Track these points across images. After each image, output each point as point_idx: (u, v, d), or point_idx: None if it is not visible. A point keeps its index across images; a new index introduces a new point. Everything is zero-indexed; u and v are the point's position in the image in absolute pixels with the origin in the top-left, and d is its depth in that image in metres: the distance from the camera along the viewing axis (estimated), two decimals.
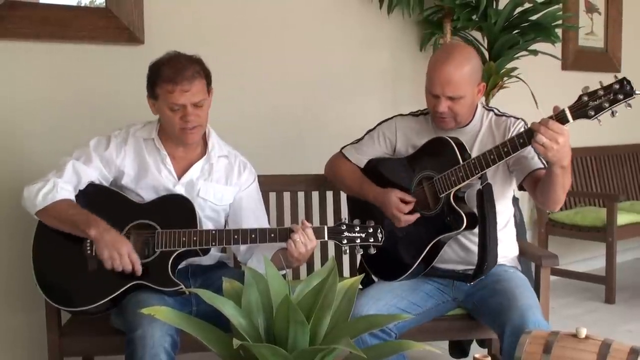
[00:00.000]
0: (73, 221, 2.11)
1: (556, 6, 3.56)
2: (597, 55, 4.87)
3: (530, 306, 2.12)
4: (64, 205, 2.13)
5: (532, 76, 3.64)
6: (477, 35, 3.67)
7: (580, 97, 1.99)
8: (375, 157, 2.51)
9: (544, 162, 2.19)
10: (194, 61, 2.19)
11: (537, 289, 2.40)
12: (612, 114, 1.97)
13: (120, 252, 2.06)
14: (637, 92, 1.94)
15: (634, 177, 4.99)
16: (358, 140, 2.56)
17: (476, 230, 2.26)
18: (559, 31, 3.67)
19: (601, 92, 1.96)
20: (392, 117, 2.52)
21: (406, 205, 2.29)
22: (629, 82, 1.94)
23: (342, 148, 2.59)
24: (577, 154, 4.52)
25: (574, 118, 1.99)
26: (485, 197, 2.21)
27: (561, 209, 4.39)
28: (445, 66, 2.22)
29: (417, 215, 2.29)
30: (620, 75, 1.98)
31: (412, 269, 2.30)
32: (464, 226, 2.19)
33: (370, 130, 2.55)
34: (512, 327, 2.06)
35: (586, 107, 1.97)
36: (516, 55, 3.60)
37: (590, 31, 4.83)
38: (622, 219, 4.11)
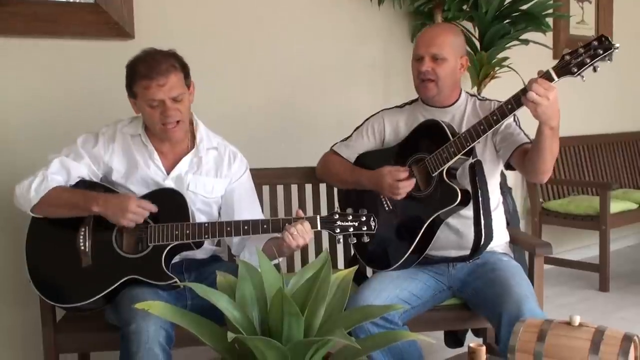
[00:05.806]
0: (71, 203, 2.12)
1: None
2: None
3: (526, 295, 2.14)
4: (58, 191, 2.14)
5: (523, 66, 3.61)
6: (468, 25, 3.67)
7: (562, 56, 2.07)
8: (364, 151, 2.52)
9: (529, 138, 2.26)
10: (169, 55, 2.17)
11: (531, 277, 2.41)
12: (594, 69, 2.03)
13: (131, 210, 2.07)
14: (616, 45, 1.99)
15: (627, 165, 5.00)
16: (347, 138, 2.59)
17: (469, 213, 2.29)
18: (549, 20, 3.66)
19: (582, 50, 2.03)
20: (378, 112, 2.56)
21: (401, 172, 2.28)
22: (607, 38, 2.01)
23: (333, 146, 2.61)
24: (569, 143, 4.53)
25: (559, 76, 2.05)
26: (477, 171, 2.25)
27: (554, 198, 4.41)
28: (430, 30, 2.42)
29: (413, 181, 2.28)
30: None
31: (407, 254, 2.30)
32: (458, 199, 2.22)
33: (357, 127, 2.58)
34: (509, 316, 2.07)
35: (569, 64, 2.04)
36: (507, 45, 3.60)
37: (581, 20, 4.83)
38: (615, 206, 4.13)
